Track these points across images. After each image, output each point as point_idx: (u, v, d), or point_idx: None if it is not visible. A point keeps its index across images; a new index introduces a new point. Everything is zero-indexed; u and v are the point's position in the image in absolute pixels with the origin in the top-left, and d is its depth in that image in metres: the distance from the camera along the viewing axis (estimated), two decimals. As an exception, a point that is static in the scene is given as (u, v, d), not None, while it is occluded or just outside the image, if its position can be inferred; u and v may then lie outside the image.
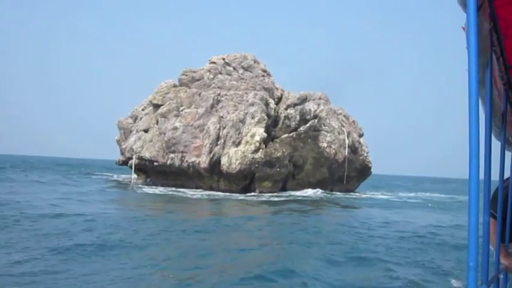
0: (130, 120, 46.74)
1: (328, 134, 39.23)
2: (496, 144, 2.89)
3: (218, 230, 15.26)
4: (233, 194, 34.59)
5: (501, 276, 3.17)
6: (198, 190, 36.88)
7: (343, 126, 41.02)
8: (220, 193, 35.14)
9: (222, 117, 38.16)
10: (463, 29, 1.57)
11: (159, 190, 34.86)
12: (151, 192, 33.22)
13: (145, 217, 17.71)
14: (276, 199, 31.75)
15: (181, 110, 39.36)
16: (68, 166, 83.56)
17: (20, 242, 11.34)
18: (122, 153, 44.76)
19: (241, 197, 33.01)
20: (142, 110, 45.03)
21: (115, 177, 53.18)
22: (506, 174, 3.27)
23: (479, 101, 1.89)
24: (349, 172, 40.71)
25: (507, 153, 3.36)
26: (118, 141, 48.20)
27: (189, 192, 34.19)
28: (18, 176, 43.80)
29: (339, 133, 40.11)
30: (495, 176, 2.80)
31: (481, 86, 2.08)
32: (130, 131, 44.92)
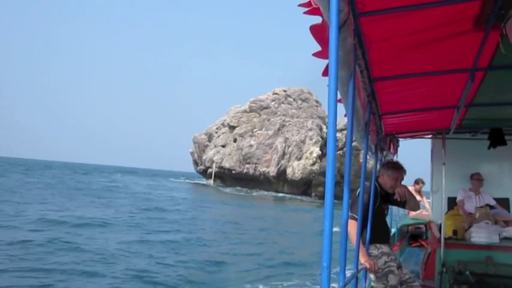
0: (204, 136, 59.05)
1: (366, 153, 51.37)
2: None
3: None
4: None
5: (360, 276, 3.29)
6: (266, 192, 49.08)
7: (376, 146, 53.31)
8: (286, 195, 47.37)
9: (287, 138, 50.40)
10: None
11: (242, 191, 47.06)
12: (236, 193, 45.46)
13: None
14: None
15: (255, 132, 51.69)
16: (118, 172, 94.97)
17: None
18: (199, 164, 57.02)
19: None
20: (217, 129, 57.36)
21: (183, 180, 65.07)
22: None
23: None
24: (381, 182, 52.90)
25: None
26: (192, 153, 60.49)
27: (264, 193, 46.58)
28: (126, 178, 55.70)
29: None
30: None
31: (345, 97, 2.20)
32: (205, 146, 57.26)
